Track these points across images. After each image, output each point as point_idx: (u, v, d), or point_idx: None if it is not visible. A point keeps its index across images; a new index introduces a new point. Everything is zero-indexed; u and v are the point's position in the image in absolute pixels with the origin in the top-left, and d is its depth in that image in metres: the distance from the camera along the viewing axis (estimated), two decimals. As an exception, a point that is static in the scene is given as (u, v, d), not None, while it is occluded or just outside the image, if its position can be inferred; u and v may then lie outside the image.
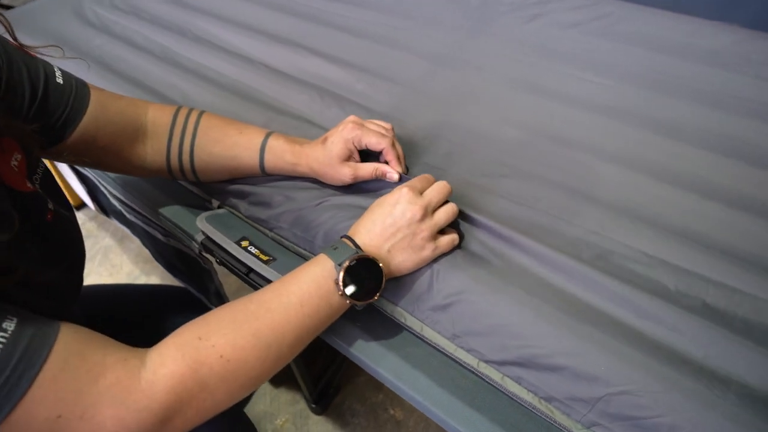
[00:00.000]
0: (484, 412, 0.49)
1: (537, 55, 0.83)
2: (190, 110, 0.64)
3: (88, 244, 1.58)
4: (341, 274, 0.48)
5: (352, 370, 1.18)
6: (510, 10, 0.93)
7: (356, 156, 0.61)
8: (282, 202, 0.64)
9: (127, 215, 0.84)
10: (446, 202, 0.55)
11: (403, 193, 0.52)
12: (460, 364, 0.52)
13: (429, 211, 0.52)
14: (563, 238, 0.57)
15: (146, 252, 1.00)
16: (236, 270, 0.63)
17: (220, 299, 0.81)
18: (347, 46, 0.89)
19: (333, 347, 0.57)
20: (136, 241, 1.18)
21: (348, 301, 0.49)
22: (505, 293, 0.50)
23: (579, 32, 0.86)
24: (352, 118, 0.62)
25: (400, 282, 0.54)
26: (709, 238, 0.56)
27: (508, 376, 0.50)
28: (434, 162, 0.68)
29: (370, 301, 0.50)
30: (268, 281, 0.59)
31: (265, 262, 0.61)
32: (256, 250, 0.63)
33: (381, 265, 0.49)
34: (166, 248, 0.82)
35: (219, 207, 0.71)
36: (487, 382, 0.51)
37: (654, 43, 0.81)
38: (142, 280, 1.45)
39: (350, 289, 0.48)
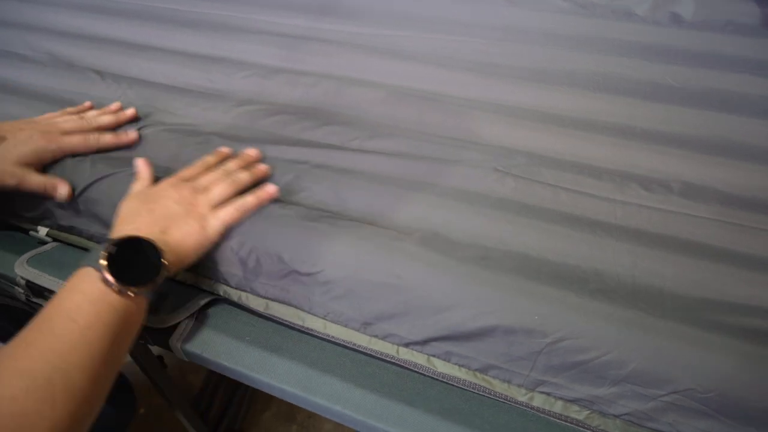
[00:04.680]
0: (416, 404, 0.41)
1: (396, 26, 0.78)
2: None
3: None
4: (104, 264, 0.38)
5: (256, 407, 1.03)
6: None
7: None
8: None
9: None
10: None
11: (167, 181, 0.47)
12: (378, 357, 0.44)
13: (200, 190, 0.46)
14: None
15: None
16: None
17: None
18: (184, 38, 0.77)
19: (228, 387, 0.45)
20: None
21: (130, 292, 0.39)
22: (397, 251, 0.43)
23: None
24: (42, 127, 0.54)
25: (285, 279, 0.45)
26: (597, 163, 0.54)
27: (434, 356, 0.42)
28: (320, 138, 0.59)
29: (157, 278, 0.40)
30: None
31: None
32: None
33: (152, 239, 0.41)
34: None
35: (48, 235, 0.56)
36: (411, 370, 0.43)
37: None
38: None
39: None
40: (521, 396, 0.41)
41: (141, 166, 0.50)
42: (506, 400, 0.41)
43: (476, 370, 0.42)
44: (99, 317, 0.37)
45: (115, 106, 0.60)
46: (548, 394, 0.40)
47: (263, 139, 0.56)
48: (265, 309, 0.47)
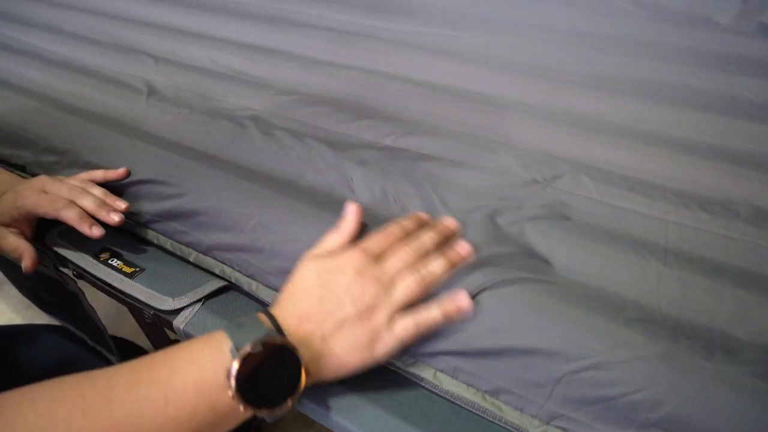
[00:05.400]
0: (415, 422, 0.37)
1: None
2: None
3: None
4: (235, 366, 0.32)
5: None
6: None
7: (25, 229, 0.50)
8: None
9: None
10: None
11: (351, 257, 0.37)
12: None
13: (385, 285, 0.36)
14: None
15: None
16: (102, 288, 0.50)
17: (99, 334, 0.66)
18: (235, 27, 0.78)
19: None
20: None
21: (242, 408, 0.32)
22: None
23: None
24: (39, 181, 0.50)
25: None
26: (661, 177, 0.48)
27: (441, 371, 0.39)
28: (353, 132, 0.57)
29: (280, 411, 0.33)
30: (135, 299, 0.46)
31: (129, 275, 0.48)
32: (119, 262, 0.50)
33: (300, 357, 0.34)
34: (27, 276, 0.66)
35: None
36: (415, 382, 0.39)
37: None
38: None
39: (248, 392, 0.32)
40: (534, 428, 0.36)
41: (350, 213, 0.40)
42: (517, 429, 0.36)
43: (486, 392, 0.37)
44: (194, 415, 0.32)
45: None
46: (564, 430, 0.35)
47: (296, 128, 0.55)
48: (271, 298, 0.45)
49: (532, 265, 0.40)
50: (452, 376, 0.38)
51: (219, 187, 0.47)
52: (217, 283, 0.47)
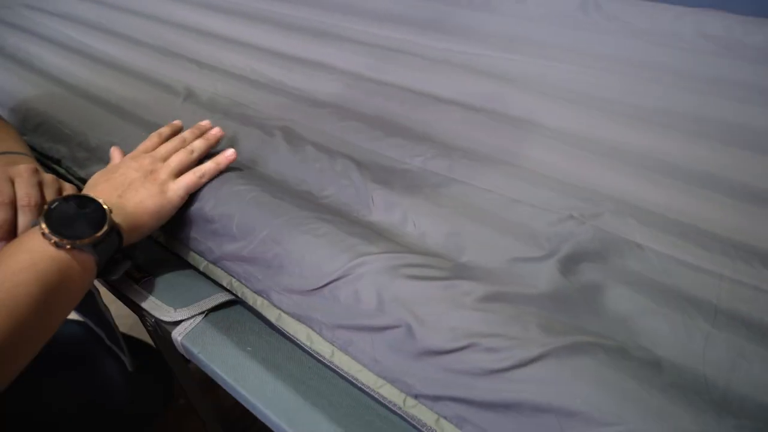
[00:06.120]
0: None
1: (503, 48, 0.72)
2: None
3: None
4: (42, 218, 0.38)
5: None
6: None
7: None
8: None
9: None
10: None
11: (126, 156, 0.49)
12: (381, 403, 0.37)
13: (160, 159, 0.47)
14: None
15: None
16: (109, 288, 0.49)
17: (113, 333, 0.65)
18: (278, 38, 0.78)
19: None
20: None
21: (67, 244, 0.37)
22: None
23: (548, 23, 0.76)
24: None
25: (306, 294, 0.40)
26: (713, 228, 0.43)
27: (445, 418, 0.35)
28: (383, 149, 0.54)
29: (98, 233, 0.39)
30: (137, 305, 0.46)
31: (136, 280, 0.47)
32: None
33: (100, 199, 0.41)
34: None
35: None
36: (416, 428, 0.35)
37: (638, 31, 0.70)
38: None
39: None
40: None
41: (114, 152, 0.51)
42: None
43: (492, 449, 0.33)
44: (33, 264, 0.36)
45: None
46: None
47: (324, 142, 0.53)
48: (276, 320, 0.42)
49: (553, 307, 0.36)
50: (456, 426, 0.34)
51: (232, 194, 0.45)
52: (222, 297, 0.45)
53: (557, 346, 0.32)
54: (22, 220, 0.44)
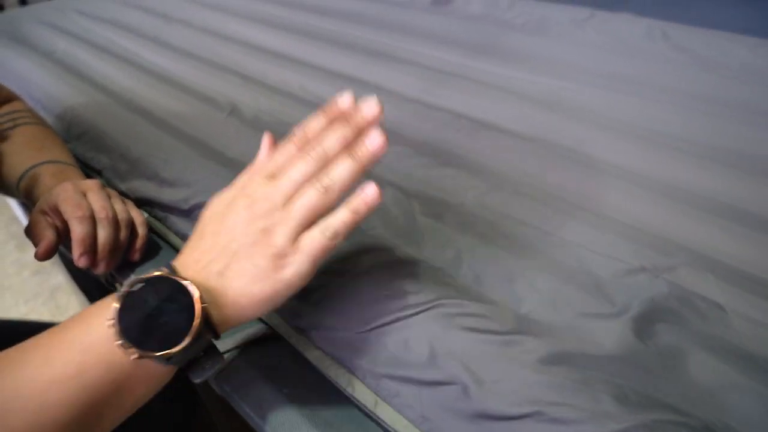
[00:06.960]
0: None
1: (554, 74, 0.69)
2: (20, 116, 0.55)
3: (36, 281, 1.43)
4: (115, 306, 0.29)
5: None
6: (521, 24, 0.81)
7: (57, 220, 0.45)
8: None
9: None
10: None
11: (242, 183, 0.34)
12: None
13: (280, 203, 0.32)
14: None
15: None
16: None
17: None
18: (329, 56, 0.76)
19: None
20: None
21: (134, 354, 0.28)
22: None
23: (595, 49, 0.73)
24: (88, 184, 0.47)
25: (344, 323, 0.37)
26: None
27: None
28: (433, 180, 0.52)
29: (178, 349, 0.29)
30: None
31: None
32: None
33: (189, 288, 0.30)
34: (85, 276, 0.66)
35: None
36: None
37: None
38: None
39: (127, 327, 0.29)
40: None
41: (265, 140, 0.36)
42: None
43: None
44: (81, 371, 0.29)
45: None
46: None
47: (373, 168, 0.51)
48: (316, 360, 0.39)
49: (626, 373, 0.32)
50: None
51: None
52: (259, 331, 0.43)
53: (636, 424, 0.28)
54: (102, 233, 0.44)
